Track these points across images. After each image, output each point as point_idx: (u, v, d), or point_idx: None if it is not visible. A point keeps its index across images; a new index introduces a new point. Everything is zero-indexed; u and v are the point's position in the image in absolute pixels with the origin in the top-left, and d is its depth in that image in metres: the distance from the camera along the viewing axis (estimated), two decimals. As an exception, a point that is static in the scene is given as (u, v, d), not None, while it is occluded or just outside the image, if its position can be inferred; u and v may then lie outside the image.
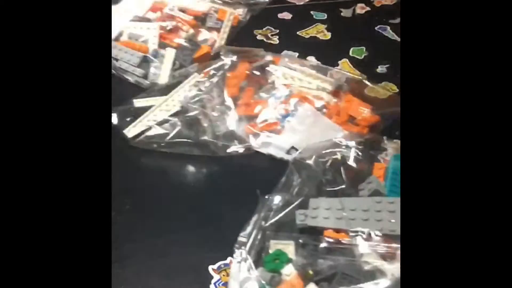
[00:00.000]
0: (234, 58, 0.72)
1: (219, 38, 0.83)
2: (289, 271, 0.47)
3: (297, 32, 0.89)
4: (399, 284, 0.44)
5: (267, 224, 0.51)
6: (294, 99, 0.67)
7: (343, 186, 0.55)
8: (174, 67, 0.76)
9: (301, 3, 0.97)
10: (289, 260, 0.48)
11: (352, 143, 0.59)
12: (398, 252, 0.47)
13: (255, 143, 0.64)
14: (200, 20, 0.85)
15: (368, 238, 0.48)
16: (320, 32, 0.89)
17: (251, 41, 0.85)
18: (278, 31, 0.89)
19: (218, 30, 0.84)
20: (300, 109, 0.66)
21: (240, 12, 0.89)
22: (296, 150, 0.62)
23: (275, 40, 0.87)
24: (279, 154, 0.63)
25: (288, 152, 0.63)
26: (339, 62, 0.81)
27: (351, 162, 0.57)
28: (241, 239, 0.50)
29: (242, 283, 0.47)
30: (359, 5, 0.95)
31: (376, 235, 0.48)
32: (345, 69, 0.79)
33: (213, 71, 0.72)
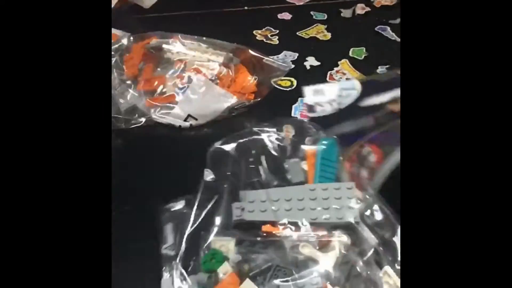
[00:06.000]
0: (131, 39, 0.78)
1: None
2: (225, 270, 0.46)
3: (297, 33, 0.89)
4: (331, 271, 0.45)
5: (194, 227, 0.50)
6: (188, 72, 0.72)
7: (262, 177, 0.55)
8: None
9: (301, 3, 0.97)
10: (225, 258, 0.47)
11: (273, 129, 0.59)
12: (331, 239, 0.48)
13: (155, 115, 0.70)
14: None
15: (297, 228, 0.49)
16: (320, 32, 0.89)
17: (251, 41, 0.85)
18: (278, 31, 0.89)
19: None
20: (194, 80, 0.71)
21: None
22: (194, 118, 0.69)
23: (275, 40, 0.87)
24: (178, 122, 0.69)
25: (185, 119, 0.69)
26: (339, 62, 0.81)
27: (272, 151, 0.57)
28: (165, 252, 0.49)
29: None
30: (359, 5, 0.95)
31: (304, 225, 0.49)
32: (344, 69, 0.80)
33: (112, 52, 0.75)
